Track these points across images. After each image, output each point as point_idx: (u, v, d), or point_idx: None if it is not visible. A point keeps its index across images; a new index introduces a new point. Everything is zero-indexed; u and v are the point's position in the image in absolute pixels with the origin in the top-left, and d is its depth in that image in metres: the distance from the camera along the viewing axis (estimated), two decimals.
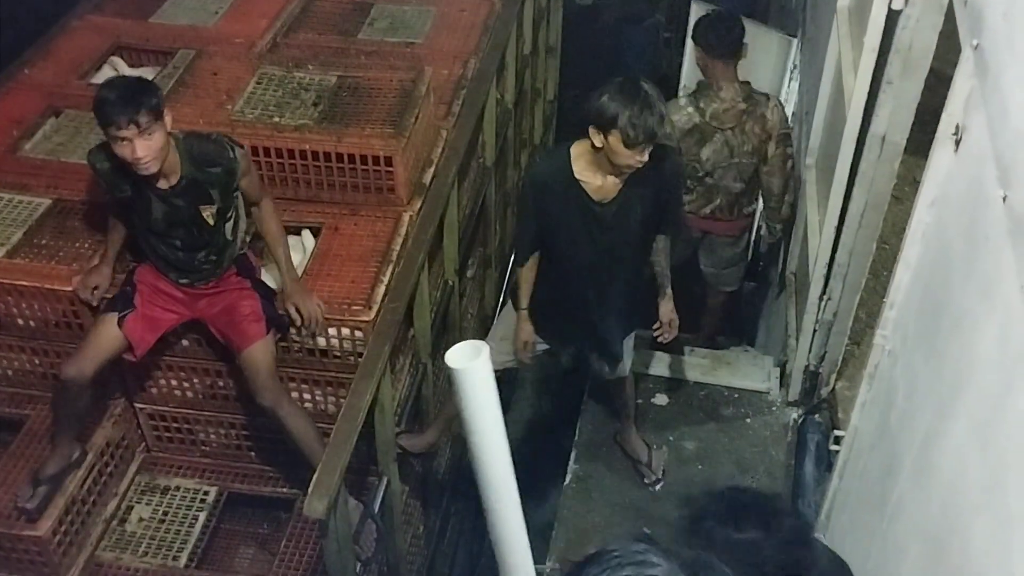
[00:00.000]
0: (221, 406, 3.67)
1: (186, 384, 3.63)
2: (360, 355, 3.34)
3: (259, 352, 3.26)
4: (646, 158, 3.17)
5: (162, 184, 3.05)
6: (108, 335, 3.19)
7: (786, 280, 4.88)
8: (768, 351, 5.10)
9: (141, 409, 3.71)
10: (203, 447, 3.80)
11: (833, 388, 4.17)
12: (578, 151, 3.31)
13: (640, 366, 4.49)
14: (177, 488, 3.74)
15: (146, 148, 2.88)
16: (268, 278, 3.47)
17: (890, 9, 3.16)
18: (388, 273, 3.50)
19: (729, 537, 1.93)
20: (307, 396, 3.55)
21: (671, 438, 4.51)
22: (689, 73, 6.18)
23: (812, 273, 4.00)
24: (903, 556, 2.25)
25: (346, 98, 3.88)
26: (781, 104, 4.49)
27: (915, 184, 2.56)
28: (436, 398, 4.12)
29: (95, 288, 3.31)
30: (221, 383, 3.60)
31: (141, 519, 3.63)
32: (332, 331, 3.38)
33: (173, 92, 3.90)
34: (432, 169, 3.93)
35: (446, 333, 4.23)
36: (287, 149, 3.66)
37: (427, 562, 4.21)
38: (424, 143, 3.91)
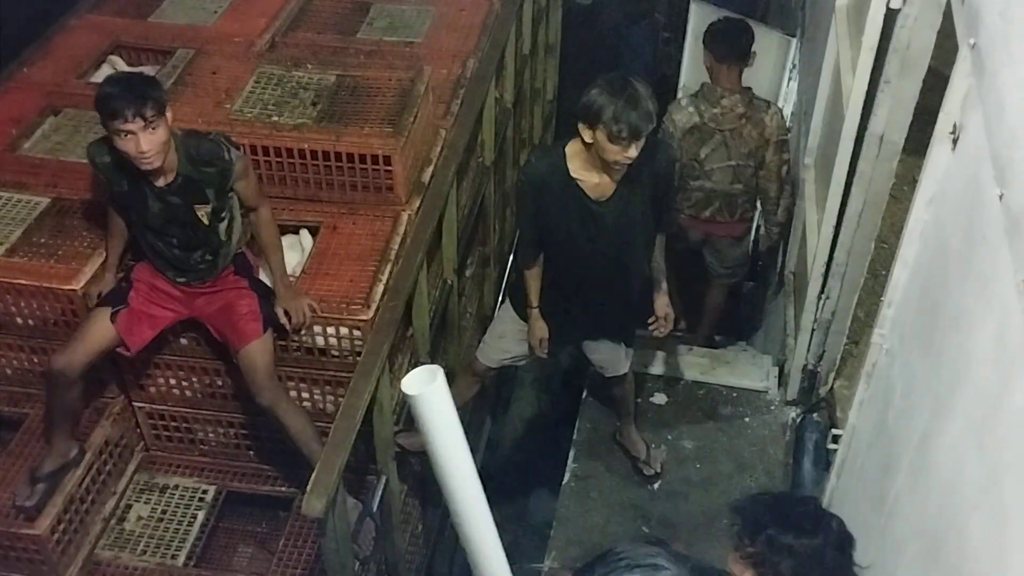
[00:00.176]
0: (220, 405, 3.67)
1: (185, 383, 3.63)
2: (359, 354, 3.34)
3: (257, 351, 3.27)
4: (633, 154, 3.15)
5: (159, 181, 3.05)
6: (99, 329, 3.20)
7: (785, 279, 4.88)
8: (767, 350, 5.11)
9: (140, 408, 3.71)
10: (202, 446, 3.80)
11: (831, 387, 4.17)
12: (573, 150, 3.32)
13: (639, 365, 4.49)
14: (176, 487, 3.74)
15: (150, 142, 2.89)
16: (266, 277, 3.47)
17: (888, 8, 3.16)
18: (387, 272, 3.50)
19: (792, 544, 2.00)
20: (306, 395, 3.55)
21: (670, 437, 4.52)
22: (689, 73, 6.18)
23: (811, 272, 4.00)
24: (900, 554, 2.25)
25: (345, 97, 3.88)
26: (781, 112, 4.54)
27: (913, 183, 2.56)
28: None
29: (99, 295, 3.32)
30: (220, 382, 3.60)
31: (140, 518, 3.64)
32: (331, 330, 3.38)
33: (172, 91, 3.89)
34: (431, 168, 3.93)
35: (445, 332, 4.23)
36: (286, 148, 3.66)
37: (426, 561, 4.21)
38: (423, 142, 3.91)
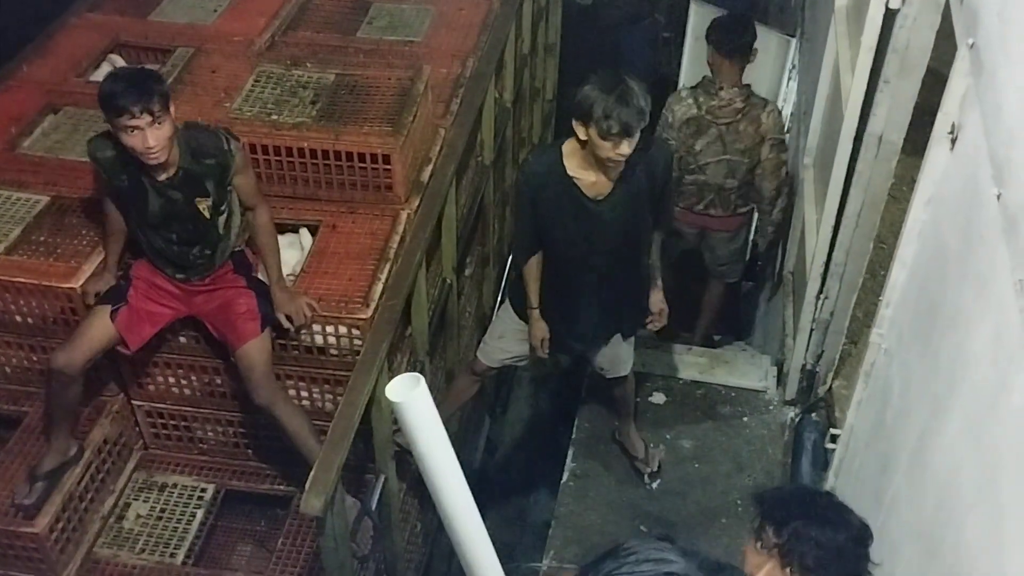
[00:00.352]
0: (219, 403, 3.68)
1: (184, 381, 3.63)
2: (357, 353, 3.35)
3: (254, 350, 3.27)
4: (625, 151, 3.15)
5: (161, 176, 3.05)
6: (99, 327, 3.19)
7: (783, 279, 4.88)
8: (765, 350, 5.11)
9: (139, 406, 3.71)
10: (201, 444, 3.80)
11: (830, 387, 4.18)
12: (570, 148, 3.32)
13: (638, 365, 4.49)
14: (175, 485, 3.74)
15: (157, 137, 2.89)
16: (265, 276, 3.47)
17: (887, 8, 3.16)
18: (386, 271, 3.51)
19: (817, 536, 2.05)
20: (304, 394, 3.55)
21: (668, 436, 4.52)
22: (688, 73, 6.19)
23: (809, 272, 4.01)
24: (898, 553, 2.25)
25: (344, 96, 3.88)
26: (779, 111, 4.58)
27: (912, 183, 2.56)
28: (433, 397, 4.12)
29: (97, 294, 3.32)
30: (219, 380, 3.60)
31: (138, 516, 3.64)
32: (330, 329, 3.39)
33: (171, 90, 3.88)
34: (430, 167, 3.93)
35: (444, 331, 4.23)
36: (285, 147, 3.66)
37: (424, 560, 4.21)
38: (422, 141, 3.91)
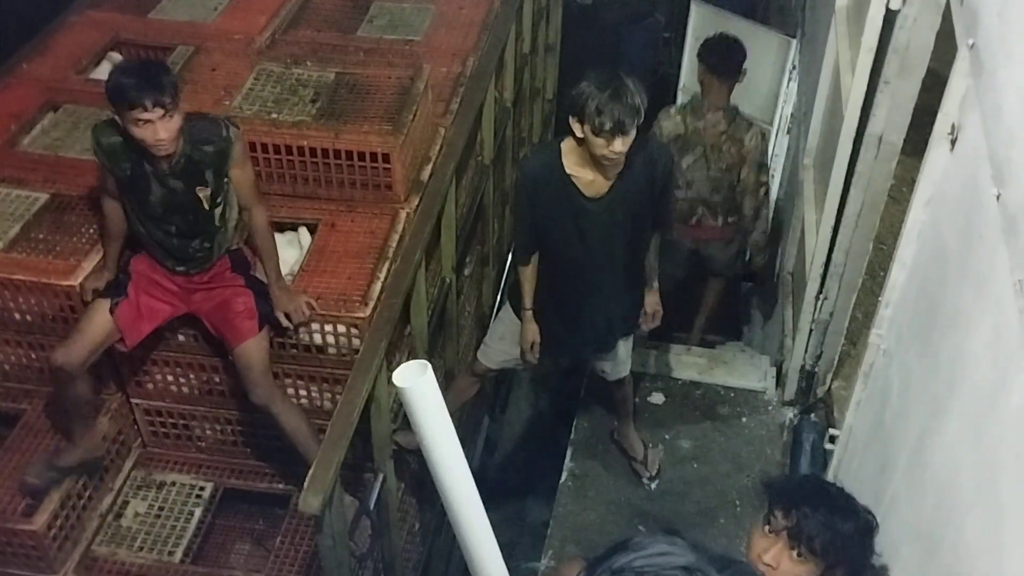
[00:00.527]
0: (217, 402, 3.67)
1: (182, 380, 3.63)
2: (356, 352, 3.34)
3: (252, 349, 3.26)
4: (619, 148, 3.14)
5: (164, 164, 3.04)
6: (99, 322, 3.18)
7: (783, 280, 4.89)
8: (765, 350, 5.11)
9: (137, 404, 3.70)
10: (199, 443, 3.80)
11: (829, 387, 4.18)
12: (569, 146, 3.32)
13: (637, 365, 4.50)
14: (173, 483, 3.74)
15: (168, 130, 2.89)
16: (263, 275, 3.47)
17: (888, 9, 3.16)
18: (385, 270, 3.50)
19: (826, 521, 2.08)
20: (303, 392, 3.55)
21: (667, 437, 4.52)
22: (689, 73, 6.19)
23: (809, 273, 4.01)
24: (897, 553, 2.25)
25: (344, 95, 3.87)
26: (761, 134, 4.74)
27: (912, 184, 2.56)
28: None
29: (95, 291, 3.31)
30: (217, 379, 3.60)
31: (137, 514, 3.63)
32: (328, 328, 3.38)
33: None
34: (430, 166, 3.93)
35: (443, 330, 4.23)
36: (285, 145, 3.65)
37: (423, 559, 4.21)
38: (422, 140, 3.91)
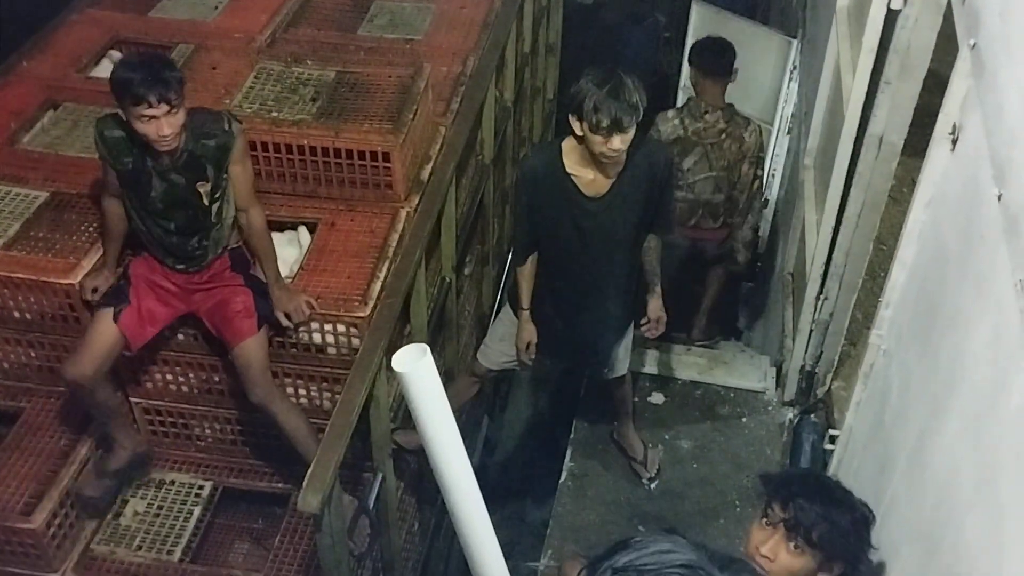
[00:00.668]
0: (216, 401, 3.67)
1: (181, 379, 3.63)
2: (355, 351, 3.34)
3: (251, 348, 3.26)
4: (617, 146, 3.13)
5: (166, 159, 3.03)
6: (105, 332, 3.18)
7: (783, 280, 4.88)
8: (764, 351, 5.11)
9: (136, 403, 3.70)
10: (198, 442, 3.80)
11: (829, 388, 4.17)
12: (569, 145, 3.31)
13: (637, 365, 4.50)
14: (172, 482, 3.74)
15: (172, 125, 2.89)
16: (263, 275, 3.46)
17: (889, 9, 3.16)
18: (384, 269, 3.50)
19: (823, 513, 2.09)
20: (302, 392, 3.55)
21: (667, 437, 4.52)
22: (688, 73, 6.18)
23: (809, 273, 4.00)
24: (897, 553, 2.25)
25: (344, 94, 3.87)
26: (760, 130, 4.79)
27: (912, 185, 2.56)
28: None
29: (94, 290, 3.31)
30: (216, 378, 3.60)
31: (136, 513, 3.63)
32: (328, 327, 3.38)
33: None
34: (430, 166, 3.93)
35: (443, 330, 4.23)
36: (285, 144, 3.65)
37: (422, 559, 4.21)
38: (422, 139, 3.91)
